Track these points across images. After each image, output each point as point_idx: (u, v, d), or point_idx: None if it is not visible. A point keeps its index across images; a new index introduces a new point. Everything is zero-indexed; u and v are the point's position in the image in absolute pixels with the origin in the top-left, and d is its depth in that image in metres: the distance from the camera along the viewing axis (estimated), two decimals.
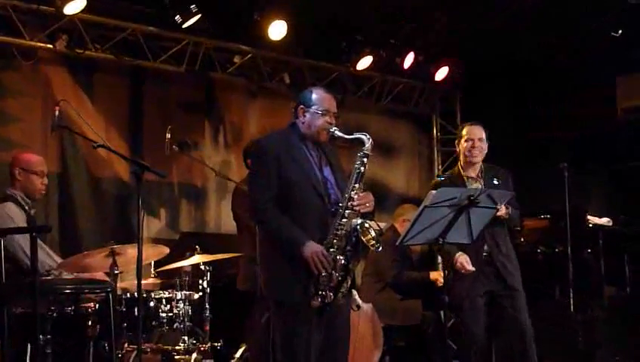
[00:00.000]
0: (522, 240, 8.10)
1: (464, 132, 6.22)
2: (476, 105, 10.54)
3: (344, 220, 4.76)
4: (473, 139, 6.16)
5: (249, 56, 9.06)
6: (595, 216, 7.97)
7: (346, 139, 4.93)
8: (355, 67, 9.36)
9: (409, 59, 9.54)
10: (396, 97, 10.44)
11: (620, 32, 8.54)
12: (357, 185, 4.81)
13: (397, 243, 5.37)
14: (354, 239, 4.77)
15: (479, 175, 6.13)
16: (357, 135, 4.92)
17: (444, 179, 6.25)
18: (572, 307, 7.19)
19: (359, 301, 7.02)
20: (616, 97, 9.78)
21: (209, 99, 9.18)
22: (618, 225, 8.13)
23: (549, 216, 8.11)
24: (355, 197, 4.78)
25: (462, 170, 6.16)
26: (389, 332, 7.42)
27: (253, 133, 9.25)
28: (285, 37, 8.56)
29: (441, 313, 7.16)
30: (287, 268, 4.77)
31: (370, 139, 4.90)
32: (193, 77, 8.79)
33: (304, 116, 4.97)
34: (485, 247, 5.96)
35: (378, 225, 4.89)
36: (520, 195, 6.12)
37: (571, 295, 7.17)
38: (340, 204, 4.79)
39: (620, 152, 9.65)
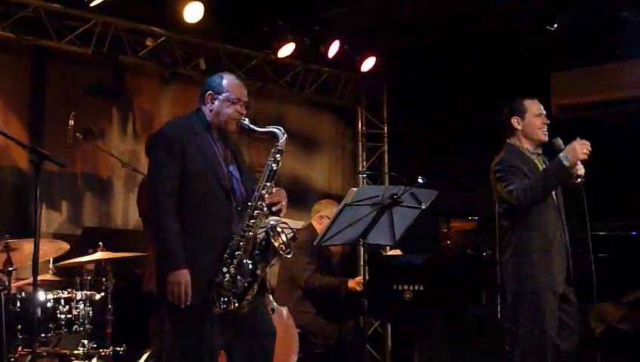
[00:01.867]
0: (448, 242, 8.19)
1: (533, 106, 6.05)
2: (404, 99, 10.65)
3: (252, 221, 4.73)
4: (543, 114, 6.05)
5: (162, 39, 8.99)
6: None
7: (257, 131, 4.91)
8: (276, 54, 9.35)
9: (334, 48, 9.55)
10: (320, 88, 10.46)
11: (555, 26, 8.66)
12: (268, 184, 4.79)
13: (315, 244, 5.38)
14: (263, 242, 4.74)
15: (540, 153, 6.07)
16: (269, 128, 4.91)
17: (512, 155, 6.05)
18: (499, 314, 7.28)
19: (274, 304, 7.03)
20: (551, 94, 9.95)
21: (118, 84, 9.09)
22: None
23: (477, 217, 8.20)
24: (266, 196, 4.76)
25: (528, 146, 6.03)
26: (305, 337, 7.42)
27: (165, 121, 9.17)
28: (202, 20, 8.50)
29: (361, 319, 7.20)
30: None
31: (285, 134, 4.88)
32: (101, 60, 8.68)
33: (212, 103, 4.93)
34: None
35: (291, 228, 4.86)
36: (448, 195, 6.17)
37: (498, 301, 7.25)
38: (249, 203, 4.77)
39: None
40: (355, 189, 5.20)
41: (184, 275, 4.63)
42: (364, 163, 10.98)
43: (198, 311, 4.68)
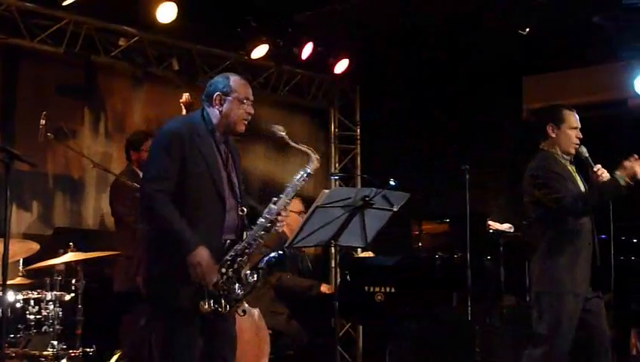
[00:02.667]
0: (420, 244, 8.22)
1: (571, 117, 6.10)
2: (376, 102, 10.68)
3: (263, 233, 4.76)
4: (578, 128, 6.10)
5: (135, 39, 8.96)
6: (496, 221, 8.12)
7: (292, 147, 4.92)
8: (249, 55, 9.35)
9: (307, 50, 9.57)
10: (293, 89, 10.48)
11: (528, 30, 8.71)
12: (288, 201, 4.84)
13: (286, 246, 5.38)
14: (273, 260, 4.79)
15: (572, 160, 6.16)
16: (304, 148, 4.94)
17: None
18: (469, 315, 7.31)
19: (245, 305, 7.00)
20: (522, 98, 10.01)
21: (90, 84, 9.05)
22: (520, 232, 8.29)
23: (448, 220, 8.23)
24: (284, 214, 4.80)
25: (562, 156, 6.10)
26: (276, 339, 7.42)
27: (138, 122, 9.17)
28: (175, 20, 8.50)
29: (332, 321, 7.20)
30: (176, 268, 4.64)
31: (318, 159, 4.95)
32: (73, 59, 8.65)
33: (221, 105, 4.87)
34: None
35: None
36: (419, 198, 6.20)
37: (469, 303, 7.28)
38: (266, 216, 4.78)
39: (524, 154, 9.87)
40: (326, 191, 5.20)
41: (202, 253, 4.60)
42: (337, 165, 10.99)
43: (187, 312, 4.67)
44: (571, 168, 6.13)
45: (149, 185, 4.73)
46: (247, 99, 4.91)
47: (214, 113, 4.88)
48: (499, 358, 8.14)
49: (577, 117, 6.13)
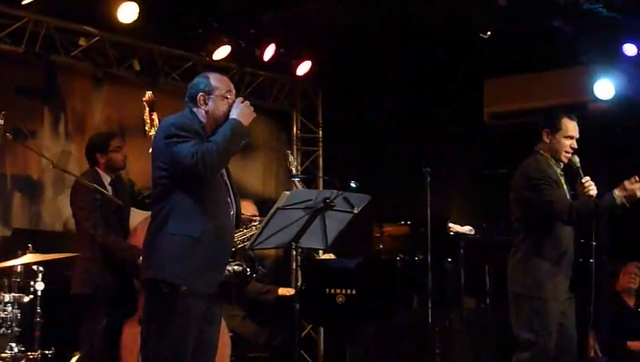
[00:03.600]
0: (381, 246, 8.25)
1: (569, 126, 6.17)
2: (338, 104, 10.70)
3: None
4: (575, 138, 6.16)
5: (96, 39, 8.90)
6: (457, 223, 8.17)
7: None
8: (211, 56, 9.33)
9: (269, 51, 9.57)
10: (255, 91, 10.46)
11: (489, 33, 8.77)
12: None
13: (247, 247, 5.39)
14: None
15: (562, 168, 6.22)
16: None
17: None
18: (430, 317, 7.34)
19: None
20: (484, 101, 10.06)
21: (49, 84, 8.98)
22: (480, 235, 8.35)
23: (409, 222, 8.27)
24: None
25: (552, 163, 6.18)
26: (235, 341, 7.42)
27: (98, 123, 9.12)
28: (136, 20, 8.47)
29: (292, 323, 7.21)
30: (199, 253, 4.79)
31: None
32: (33, 59, 8.58)
33: (206, 104, 4.95)
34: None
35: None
36: (381, 200, 6.22)
37: (430, 305, 7.31)
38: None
39: (486, 158, 9.94)
40: (288, 193, 5.20)
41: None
42: (299, 167, 11.00)
43: (197, 298, 4.78)
44: (561, 176, 6.18)
45: (185, 160, 4.76)
46: (230, 92, 5.02)
47: (201, 113, 4.97)
48: (458, 360, 8.20)
49: (576, 126, 6.17)
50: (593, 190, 5.91)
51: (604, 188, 5.95)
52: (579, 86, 9.54)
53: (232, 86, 5.07)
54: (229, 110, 4.97)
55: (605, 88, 9.36)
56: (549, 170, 6.10)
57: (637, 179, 5.81)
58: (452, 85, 9.83)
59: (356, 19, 9.09)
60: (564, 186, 6.18)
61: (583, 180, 5.95)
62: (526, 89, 9.83)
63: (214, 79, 5.02)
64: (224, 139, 4.80)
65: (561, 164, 6.20)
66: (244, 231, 4.98)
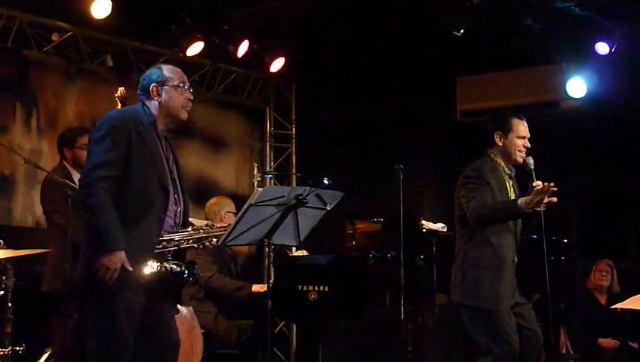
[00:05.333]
0: (354, 243, 8.26)
1: (520, 127, 6.13)
2: (312, 101, 10.71)
3: (192, 243, 4.86)
4: (526, 137, 6.13)
5: (68, 34, 8.87)
6: (429, 221, 8.20)
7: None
8: (184, 52, 9.30)
9: (243, 48, 9.55)
10: (228, 87, 10.45)
11: (462, 31, 8.80)
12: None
13: (219, 243, 5.37)
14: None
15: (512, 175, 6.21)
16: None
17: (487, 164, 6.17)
18: (402, 314, 7.36)
19: (178, 305, 6.98)
20: (456, 98, 10.11)
21: (22, 79, 8.92)
22: (452, 232, 8.37)
23: (382, 219, 8.28)
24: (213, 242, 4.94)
25: (502, 163, 6.16)
26: (207, 337, 7.41)
27: (70, 118, 9.07)
28: (109, 16, 8.43)
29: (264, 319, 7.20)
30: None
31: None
32: (5, 54, 8.54)
33: (159, 95, 4.86)
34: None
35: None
36: (353, 197, 6.23)
37: (402, 302, 7.34)
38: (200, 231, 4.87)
39: (458, 156, 9.99)
40: (260, 189, 5.19)
41: (119, 257, 4.55)
42: (272, 163, 10.99)
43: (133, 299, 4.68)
44: (508, 182, 6.16)
45: (93, 171, 4.63)
46: (184, 83, 4.92)
47: (154, 105, 4.87)
48: (430, 357, 8.23)
49: (526, 126, 6.17)
50: (542, 195, 5.78)
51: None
52: (551, 84, 9.61)
53: (185, 78, 4.96)
54: (185, 102, 4.89)
55: (577, 86, 9.44)
56: (489, 175, 6.06)
57: (541, 186, 5.76)
58: (425, 83, 9.86)
59: (330, 15, 9.10)
60: (510, 191, 6.16)
61: (534, 183, 5.90)
62: (498, 87, 9.89)
63: (167, 70, 4.92)
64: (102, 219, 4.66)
65: (512, 168, 6.18)
66: (191, 231, 4.86)
